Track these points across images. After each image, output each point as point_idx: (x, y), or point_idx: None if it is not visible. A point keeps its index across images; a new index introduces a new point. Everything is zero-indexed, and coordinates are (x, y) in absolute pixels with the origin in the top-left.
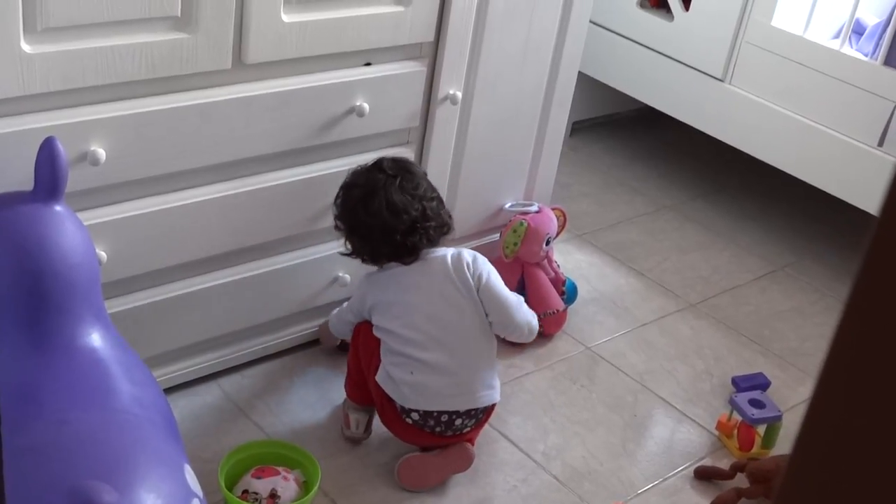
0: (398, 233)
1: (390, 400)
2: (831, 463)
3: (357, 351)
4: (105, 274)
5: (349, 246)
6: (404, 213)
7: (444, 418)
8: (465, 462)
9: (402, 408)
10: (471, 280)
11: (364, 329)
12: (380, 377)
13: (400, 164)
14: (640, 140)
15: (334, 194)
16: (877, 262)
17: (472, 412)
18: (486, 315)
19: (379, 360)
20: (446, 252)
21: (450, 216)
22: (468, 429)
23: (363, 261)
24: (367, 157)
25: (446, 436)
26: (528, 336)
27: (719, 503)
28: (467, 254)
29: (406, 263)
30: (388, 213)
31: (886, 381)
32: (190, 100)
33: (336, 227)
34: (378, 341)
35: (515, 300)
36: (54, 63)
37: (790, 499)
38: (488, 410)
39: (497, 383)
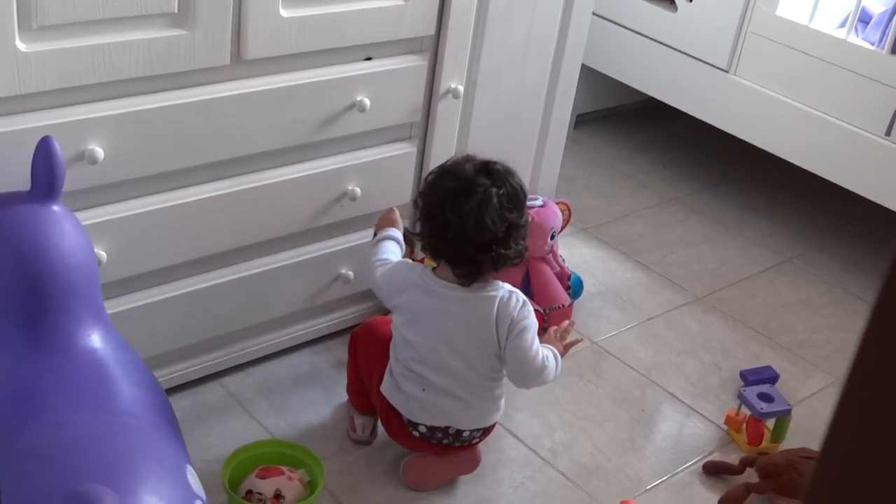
0: (472, 245)
1: (396, 412)
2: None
3: (356, 359)
4: (105, 274)
5: (419, 227)
6: (489, 230)
7: (452, 431)
8: (472, 465)
9: (409, 421)
10: (506, 333)
11: (362, 337)
12: (386, 388)
13: (507, 176)
14: (644, 132)
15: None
16: None
17: (480, 428)
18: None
19: (380, 370)
20: (497, 293)
21: (526, 247)
22: (476, 439)
23: (423, 248)
24: (369, 153)
25: (454, 446)
26: (539, 385)
27: (728, 498)
28: (515, 301)
29: (461, 283)
30: (473, 222)
31: None
32: (188, 97)
33: (415, 202)
34: (378, 350)
35: (539, 366)
36: (50, 61)
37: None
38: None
39: (503, 403)
